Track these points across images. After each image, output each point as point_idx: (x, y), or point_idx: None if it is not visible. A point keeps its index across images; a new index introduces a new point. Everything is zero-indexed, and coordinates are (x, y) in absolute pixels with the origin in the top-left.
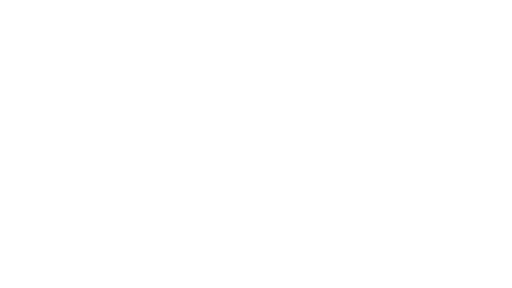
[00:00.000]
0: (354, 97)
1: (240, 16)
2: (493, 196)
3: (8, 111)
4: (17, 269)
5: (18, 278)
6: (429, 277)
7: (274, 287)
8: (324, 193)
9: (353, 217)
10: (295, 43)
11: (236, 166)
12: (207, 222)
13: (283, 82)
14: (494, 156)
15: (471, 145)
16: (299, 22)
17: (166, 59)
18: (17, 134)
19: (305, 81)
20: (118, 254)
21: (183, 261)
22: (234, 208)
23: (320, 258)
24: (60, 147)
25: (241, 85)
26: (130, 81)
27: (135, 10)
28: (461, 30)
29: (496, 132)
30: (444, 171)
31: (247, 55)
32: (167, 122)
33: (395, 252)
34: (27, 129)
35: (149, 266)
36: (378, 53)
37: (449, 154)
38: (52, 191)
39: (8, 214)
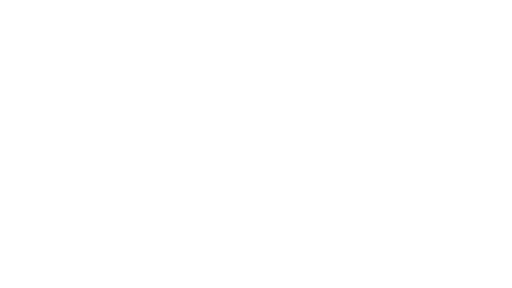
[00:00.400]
0: (354, 97)
1: (240, 16)
2: (493, 196)
3: (8, 111)
4: (17, 269)
5: (18, 278)
6: (429, 277)
7: (273, 287)
8: (324, 193)
9: (353, 217)
10: (295, 43)
11: (236, 166)
12: (207, 222)
13: (283, 82)
14: (494, 156)
15: (471, 145)
16: (299, 22)
17: (166, 59)
18: (17, 134)
19: (305, 81)
20: (118, 254)
21: (183, 261)
22: (233, 208)
23: (319, 258)
24: (60, 147)
25: (241, 85)
26: (130, 81)
27: (135, 10)
28: (461, 30)
29: (496, 132)
30: (444, 171)
31: (247, 55)
32: (167, 122)
33: (395, 252)
34: (27, 129)
35: (149, 266)
36: (378, 53)
37: (449, 154)
38: (52, 191)
39: (8, 214)
